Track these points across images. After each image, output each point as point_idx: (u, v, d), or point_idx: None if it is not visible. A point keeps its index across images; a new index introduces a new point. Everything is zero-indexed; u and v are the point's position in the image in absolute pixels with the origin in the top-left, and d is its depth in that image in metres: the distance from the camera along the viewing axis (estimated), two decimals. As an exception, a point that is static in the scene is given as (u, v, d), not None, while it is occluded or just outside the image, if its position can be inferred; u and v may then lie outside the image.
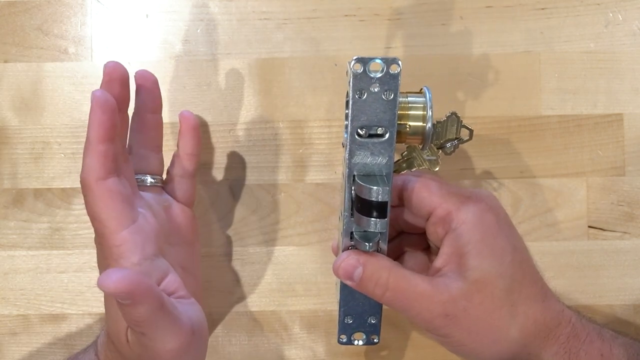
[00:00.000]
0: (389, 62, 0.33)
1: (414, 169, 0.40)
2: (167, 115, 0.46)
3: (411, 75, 0.46)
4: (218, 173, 0.46)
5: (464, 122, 0.39)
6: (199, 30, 0.47)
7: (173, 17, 0.47)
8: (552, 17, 0.46)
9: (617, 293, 0.46)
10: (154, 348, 0.34)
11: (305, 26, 0.46)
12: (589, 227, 0.46)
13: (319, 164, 0.46)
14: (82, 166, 0.35)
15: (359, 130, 0.34)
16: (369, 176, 0.35)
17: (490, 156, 0.46)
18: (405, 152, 0.40)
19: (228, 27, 0.47)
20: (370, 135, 0.34)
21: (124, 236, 0.35)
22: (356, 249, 0.36)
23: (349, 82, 0.34)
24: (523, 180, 0.46)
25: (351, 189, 0.35)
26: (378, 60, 0.33)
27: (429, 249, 0.40)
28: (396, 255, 0.41)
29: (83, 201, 0.46)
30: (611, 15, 0.46)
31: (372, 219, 0.34)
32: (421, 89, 0.37)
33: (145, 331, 0.33)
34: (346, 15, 0.46)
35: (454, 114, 0.39)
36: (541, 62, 0.46)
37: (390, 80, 0.33)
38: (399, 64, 0.33)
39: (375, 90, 0.34)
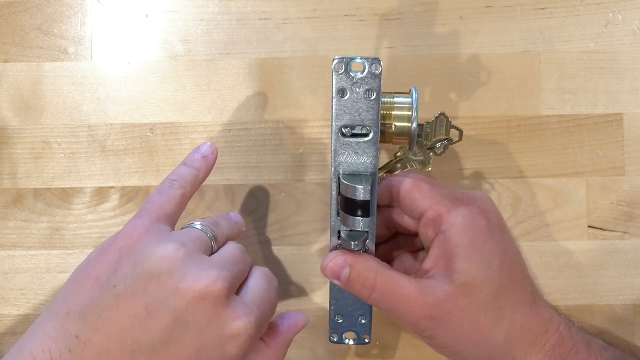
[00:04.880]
0: (370, 62, 0.33)
1: (407, 170, 0.40)
2: (167, 115, 0.46)
3: (411, 75, 0.46)
4: (218, 173, 0.46)
5: (457, 123, 0.39)
6: (199, 30, 0.47)
7: (173, 17, 0.47)
8: (552, 17, 0.46)
9: (617, 293, 0.46)
10: None
11: (305, 26, 0.46)
12: (589, 227, 0.46)
13: (319, 164, 0.46)
14: None
15: (342, 130, 0.34)
16: (354, 175, 0.35)
17: (490, 156, 0.46)
18: (400, 153, 0.40)
19: (228, 27, 0.47)
20: (354, 135, 0.35)
21: None
22: (344, 248, 0.36)
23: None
24: (523, 180, 0.46)
25: (337, 188, 0.35)
26: (359, 60, 0.33)
27: (423, 250, 0.40)
28: (391, 256, 0.41)
29: (83, 201, 0.46)
30: (611, 15, 0.46)
31: (357, 218, 0.34)
32: (410, 89, 0.37)
33: None
34: (346, 15, 0.46)
35: (442, 114, 0.39)
36: (541, 62, 0.46)
37: (372, 80, 0.34)
38: (380, 64, 0.33)
39: (358, 90, 0.34)
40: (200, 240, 0.35)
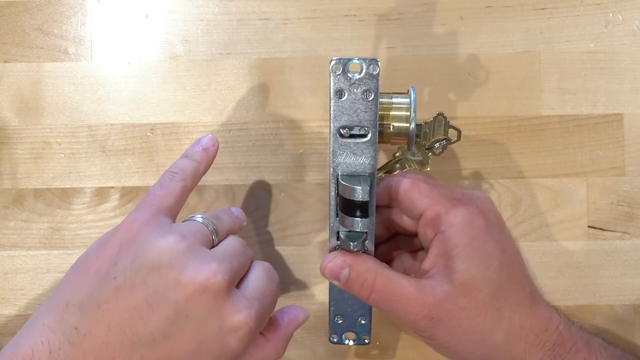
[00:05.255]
0: (368, 62, 0.33)
1: (406, 170, 0.40)
2: (167, 115, 0.46)
3: (411, 75, 0.46)
4: (218, 173, 0.46)
5: (456, 123, 0.39)
6: (199, 30, 0.47)
7: (173, 17, 0.47)
8: (552, 17, 0.46)
9: (617, 293, 0.46)
10: None
11: (305, 26, 0.46)
12: (589, 227, 0.46)
13: (319, 164, 0.46)
14: None
15: (340, 130, 0.34)
16: (352, 176, 0.35)
17: (490, 156, 0.46)
18: (398, 153, 0.41)
19: (228, 27, 0.47)
20: (352, 136, 0.35)
21: None
22: (343, 249, 0.36)
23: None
24: (523, 180, 0.46)
25: (336, 189, 0.35)
26: (357, 61, 0.33)
27: (423, 250, 0.40)
28: (390, 256, 0.41)
29: (83, 201, 0.46)
30: (611, 15, 0.46)
31: (356, 218, 0.34)
32: (408, 89, 0.37)
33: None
34: (346, 15, 0.46)
35: (440, 114, 0.39)
36: (541, 62, 0.46)
37: (370, 81, 0.34)
38: (378, 64, 0.33)
39: (356, 90, 0.34)
40: (201, 232, 0.35)
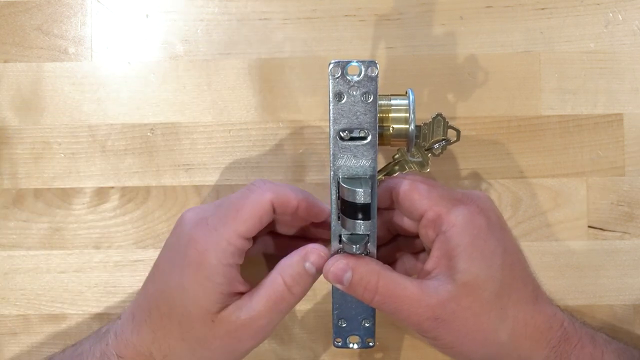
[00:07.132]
0: (366, 64, 0.33)
1: (406, 171, 0.40)
2: (167, 115, 0.46)
3: (411, 75, 0.46)
4: (218, 173, 0.46)
5: (456, 123, 0.39)
6: (199, 30, 0.47)
7: (173, 17, 0.47)
8: (552, 17, 0.46)
9: (617, 293, 0.46)
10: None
11: (305, 26, 0.46)
12: (589, 227, 0.46)
13: (319, 164, 0.46)
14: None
15: (340, 133, 0.34)
16: (353, 179, 0.35)
17: (490, 156, 0.46)
18: (397, 155, 0.40)
19: (228, 27, 0.47)
20: (352, 138, 0.34)
21: None
22: (345, 252, 0.36)
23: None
24: (523, 180, 0.46)
25: (337, 192, 0.35)
26: (355, 63, 0.33)
27: (424, 252, 0.40)
28: (392, 258, 0.41)
29: (83, 201, 0.46)
30: (611, 15, 0.46)
31: (358, 221, 0.34)
32: (406, 91, 0.37)
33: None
34: (346, 15, 0.46)
35: (439, 115, 0.39)
36: (541, 62, 0.46)
37: (368, 83, 0.33)
38: (376, 66, 0.33)
39: (355, 93, 0.34)
40: None
